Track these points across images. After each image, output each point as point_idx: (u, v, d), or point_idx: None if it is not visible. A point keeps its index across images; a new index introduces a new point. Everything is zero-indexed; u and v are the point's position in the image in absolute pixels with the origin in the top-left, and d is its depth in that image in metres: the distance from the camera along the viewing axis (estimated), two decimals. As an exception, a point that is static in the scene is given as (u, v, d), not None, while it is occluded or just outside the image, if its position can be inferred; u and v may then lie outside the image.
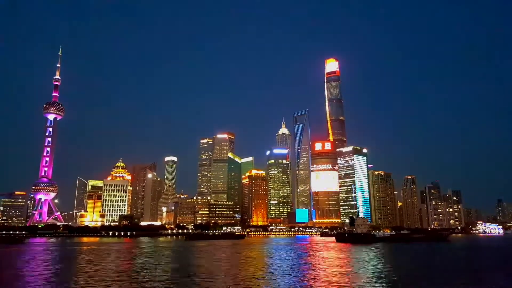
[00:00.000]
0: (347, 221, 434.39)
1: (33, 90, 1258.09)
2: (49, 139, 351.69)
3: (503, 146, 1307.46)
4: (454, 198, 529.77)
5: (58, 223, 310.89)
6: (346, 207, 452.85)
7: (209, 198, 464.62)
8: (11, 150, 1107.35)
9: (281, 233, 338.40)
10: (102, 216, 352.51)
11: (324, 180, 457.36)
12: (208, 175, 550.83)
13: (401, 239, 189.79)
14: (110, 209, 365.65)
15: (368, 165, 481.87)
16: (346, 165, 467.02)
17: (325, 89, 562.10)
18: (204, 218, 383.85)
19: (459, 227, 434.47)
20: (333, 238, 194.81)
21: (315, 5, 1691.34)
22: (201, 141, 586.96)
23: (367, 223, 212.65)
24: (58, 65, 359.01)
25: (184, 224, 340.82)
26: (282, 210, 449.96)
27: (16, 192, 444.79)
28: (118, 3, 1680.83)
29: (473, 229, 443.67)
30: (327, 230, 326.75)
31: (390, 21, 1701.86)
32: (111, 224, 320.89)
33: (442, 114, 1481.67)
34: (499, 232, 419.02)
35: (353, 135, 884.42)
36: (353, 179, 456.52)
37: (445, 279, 52.45)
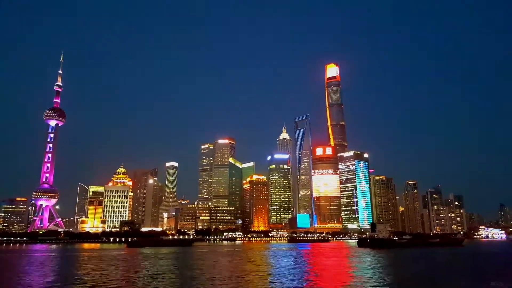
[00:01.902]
0: (349, 226, 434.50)
1: (35, 95, 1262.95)
2: (51, 145, 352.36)
3: (505, 150, 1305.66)
4: (456, 203, 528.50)
5: (59, 229, 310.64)
6: (348, 212, 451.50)
7: (210, 203, 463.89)
8: (12, 156, 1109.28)
9: (282, 238, 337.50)
10: (103, 222, 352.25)
11: (325, 185, 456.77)
12: (209, 180, 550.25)
13: (420, 244, 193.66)
14: (111, 215, 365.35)
15: (370, 170, 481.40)
16: (347, 170, 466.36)
17: (326, 94, 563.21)
18: (205, 224, 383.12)
19: (461, 232, 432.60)
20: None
21: (315, 10, 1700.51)
22: (202, 146, 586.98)
23: (388, 229, 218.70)
24: (60, 71, 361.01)
25: (185, 230, 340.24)
26: (283, 216, 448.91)
27: (17, 198, 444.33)
28: (120, 7, 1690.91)
29: (476, 234, 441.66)
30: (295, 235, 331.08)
31: (390, 26, 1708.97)
32: (112, 230, 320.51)
33: (443, 118, 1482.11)
34: (501, 237, 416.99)
35: (354, 140, 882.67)
36: (355, 184, 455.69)
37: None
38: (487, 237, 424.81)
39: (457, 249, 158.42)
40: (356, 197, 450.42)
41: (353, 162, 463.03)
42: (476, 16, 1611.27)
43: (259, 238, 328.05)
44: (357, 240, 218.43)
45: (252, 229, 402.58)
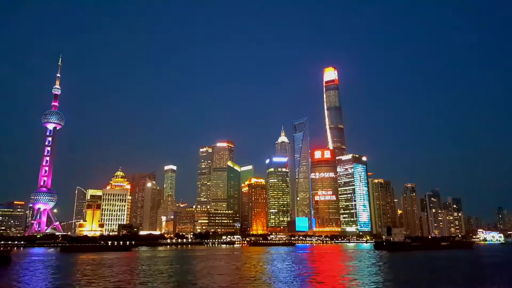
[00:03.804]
0: (347, 229, 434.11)
1: (33, 98, 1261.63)
2: (49, 148, 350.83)
3: (503, 153, 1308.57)
4: (454, 206, 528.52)
5: (57, 233, 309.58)
6: (346, 216, 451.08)
7: (208, 207, 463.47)
8: (10, 159, 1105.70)
9: (281, 241, 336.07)
10: (101, 225, 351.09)
11: (323, 189, 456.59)
12: (208, 183, 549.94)
13: (432, 247, 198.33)
14: (109, 219, 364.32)
15: (368, 173, 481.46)
16: (345, 173, 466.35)
17: (324, 97, 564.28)
18: (203, 227, 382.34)
19: (459, 235, 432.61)
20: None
21: (313, 14, 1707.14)
22: (201, 149, 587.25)
23: (403, 232, 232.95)
24: (58, 75, 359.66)
25: (184, 233, 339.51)
26: (282, 219, 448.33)
27: (15, 202, 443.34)
28: (119, 10, 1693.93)
29: (474, 237, 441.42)
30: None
31: (389, 29, 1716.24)
32: (110, 233, 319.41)
33: (442, 121, 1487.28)
34: (498, 240, 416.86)
35: (352, 143, 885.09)
36: (353, 187, 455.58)
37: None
38: (485, 240, 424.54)
39: (468, 252, 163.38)
40: (355, 200, 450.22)
41: (352, 165, 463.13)
42: (474, 17, 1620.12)
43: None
44: (357, 242, 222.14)
45: (251, 232, 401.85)
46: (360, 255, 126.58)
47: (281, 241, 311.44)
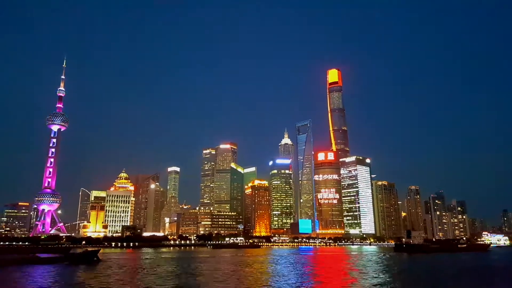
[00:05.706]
0: (351, 231, 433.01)
1: (38, 100, 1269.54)
2: (53, 150, 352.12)
3: (508, 155, 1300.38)
4: (459, 209, 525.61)
5: (61, 234, 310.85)
6: (350, 218, 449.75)
7: (211, 208, 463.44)
8: (15, 160, 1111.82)
9: (284, 244, 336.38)
10: (105, 227, 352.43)
11: (327, 190, 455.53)
12: (211, 185, 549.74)
13: (450, 250, 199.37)
14: (113, 220, 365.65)
15: (372, 175, 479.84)
16: (349, 175, 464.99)
17: (328, 99, 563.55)
18: (207, 229, 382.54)
19: (463, 238, 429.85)
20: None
21: (317, 16, 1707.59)
22: (204, 151, 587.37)
23: (422, 235, 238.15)
24: (63, 77, 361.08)
25: (187, 235, 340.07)
26: (285, 221, 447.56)
27: (20, 203, 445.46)
28: (121, 13, 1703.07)
29: (478, 240, 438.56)
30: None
31: (392, 31, 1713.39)
32: (114, 235, 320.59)
33: (446, 123, 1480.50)
34: (505, 243, 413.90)
35: (356, 145, 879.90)
36: (357, 189, 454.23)
37: None
38: (490, 243, 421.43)
39: (484, 254, 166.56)
40: (358, 203, 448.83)
41: (355, 167, 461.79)
42: (479, 17, 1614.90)
43: (262, 244, 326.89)
44: (360, 245, 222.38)
45: (254, 234, 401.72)
46: (388, 259, 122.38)
47: (247, 243, 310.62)
